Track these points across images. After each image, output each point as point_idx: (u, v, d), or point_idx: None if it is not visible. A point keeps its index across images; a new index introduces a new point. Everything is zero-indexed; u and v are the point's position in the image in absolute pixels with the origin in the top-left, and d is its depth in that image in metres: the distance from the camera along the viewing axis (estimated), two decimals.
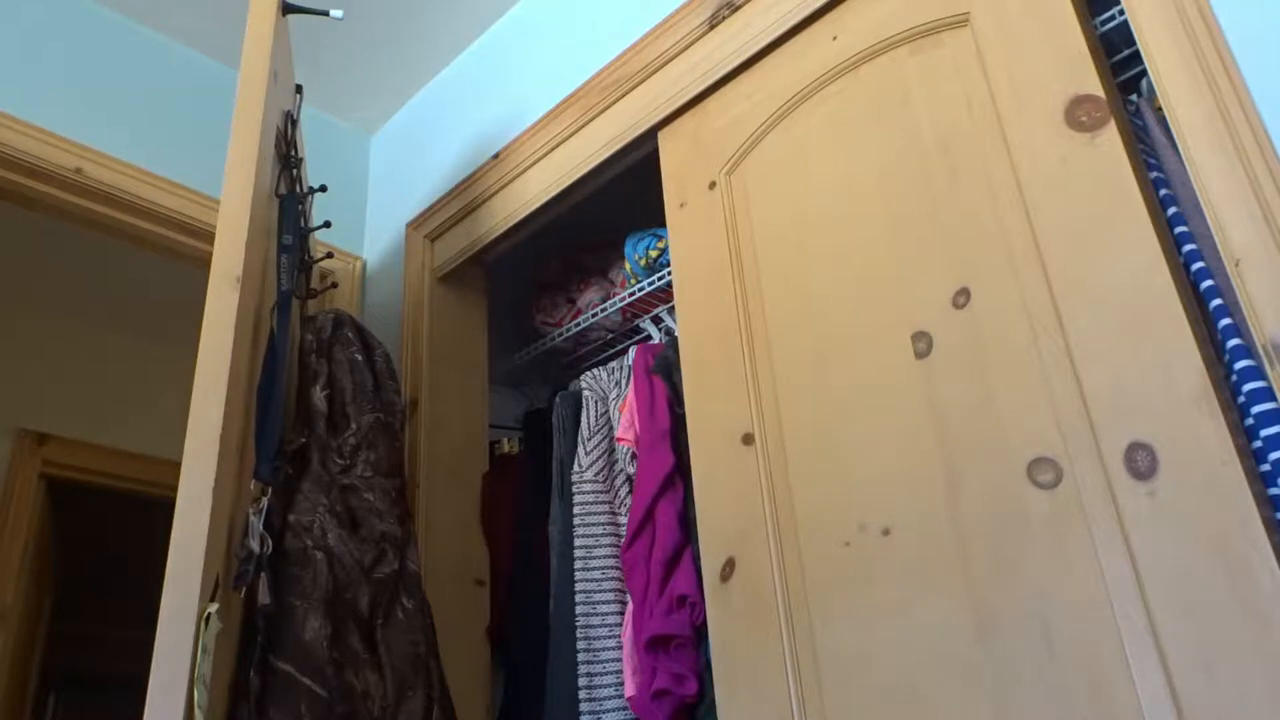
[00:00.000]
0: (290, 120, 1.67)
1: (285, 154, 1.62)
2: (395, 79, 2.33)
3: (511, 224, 1.91)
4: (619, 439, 1.72)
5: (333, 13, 1.60)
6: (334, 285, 2.01)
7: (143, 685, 0.99)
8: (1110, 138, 1.10)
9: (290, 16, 1.61)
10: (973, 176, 1.22)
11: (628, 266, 1.94)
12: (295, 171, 1.68)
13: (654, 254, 1.89)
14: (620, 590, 1.62)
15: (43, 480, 2.97)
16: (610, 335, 2.09)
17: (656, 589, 1.49)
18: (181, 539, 1.03)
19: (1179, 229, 1.10)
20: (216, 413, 1.09)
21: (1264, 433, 0.96)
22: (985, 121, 1.23)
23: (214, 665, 1.04)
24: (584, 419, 1.78)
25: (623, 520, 1.68)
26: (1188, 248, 1.09)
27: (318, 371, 1.58)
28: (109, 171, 1.87)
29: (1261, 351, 0.94)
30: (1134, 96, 1.27)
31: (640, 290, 1.92)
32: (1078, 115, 1.14)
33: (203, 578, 1.01)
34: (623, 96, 1.74)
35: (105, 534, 3.85)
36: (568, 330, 2.08)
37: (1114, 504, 0.99)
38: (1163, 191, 1.13)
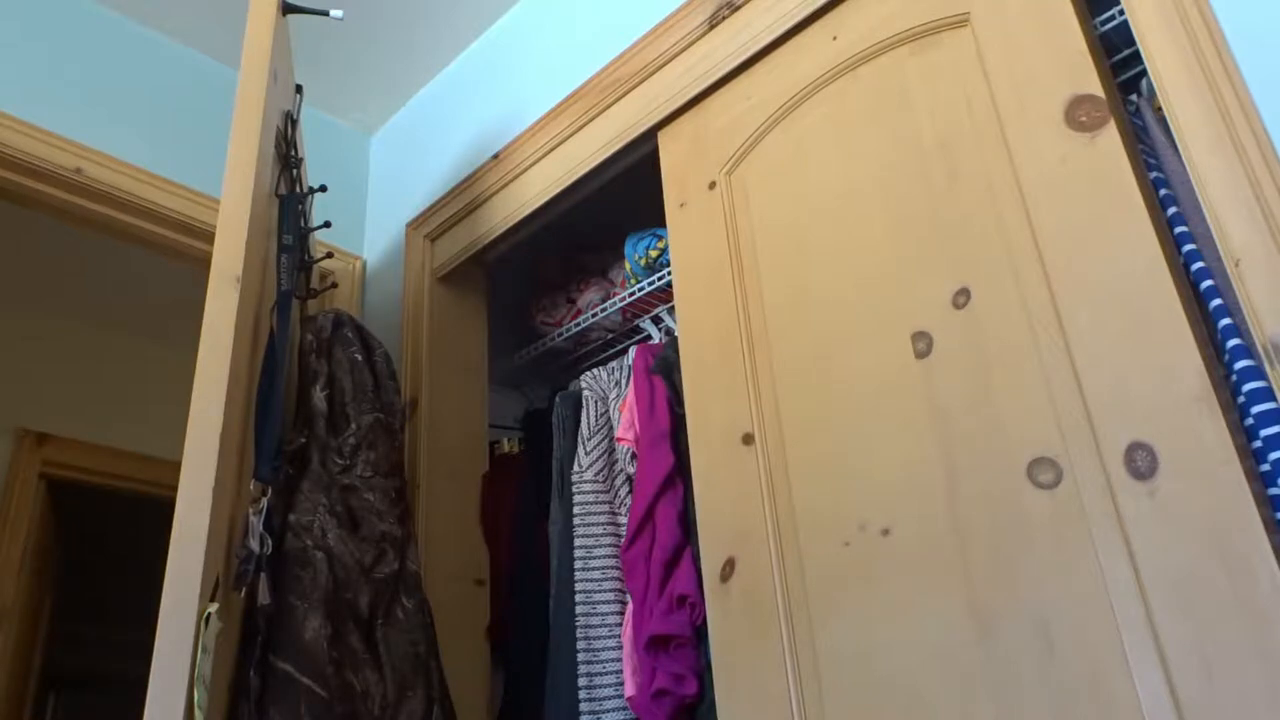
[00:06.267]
0: (290, 120, 1.67)
1: (285, 154, 1.62)
2: (395, 79, 2.33)
3: (511, 224, 1.91)
4: (619, 439, 1.72)
5: (333, 13, 1.60)
6: (334, 285, 2.01)
7: (143, 685, 0.99)
8: (1110, 138, 1.10)
9: (290, 16, 1.61)
10: (972, 176, 1.22)
11: (628, 266, 1.94)
12: (295, 171, 1.68)
13: (654, 254, 1.89)
14: (620, 590, 1.62)
15: (43, 480, 2.96)
16: (610, 335, 2.09)
17: (656, 589, 1.49)
18: (181, 539, 1.03)
19: (1179, 229, 1.10)
20: (216, 413, 1.09)
21: (1264, 433, 0.96)
22: (985, 121, 1.23)
23: (214, 665, 1.04)
24: (584, 419, 1.78)
25: (623, 520, 1.68)
26: (1188, 248, 1.09)
27: (318, 371, 1.57)
28: (109, 171, 1.87)
29: (1261, 351, 0.94)
30: (1134, 96, 1.27)
31: (640, 290, 1.92)
32: (1078, 115, 1.14)
33: (203, 578, 1.01)
34: (622, 96, 1.74)
35: (105, 534, 3.85)
36: (568, 330, 2.08)
37: (1114, 504, 0.99)
38: (1163, 191, 1.13)
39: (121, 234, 1.95)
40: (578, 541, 1.65)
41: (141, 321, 3.24)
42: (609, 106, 1.76)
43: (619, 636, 1.58)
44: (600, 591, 1.62)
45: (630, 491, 1.70)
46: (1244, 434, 0.98)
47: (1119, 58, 1.28)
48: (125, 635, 4.08)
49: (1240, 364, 1.00)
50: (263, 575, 1.26)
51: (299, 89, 1.77)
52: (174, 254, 2.02)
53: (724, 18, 1.59)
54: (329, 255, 1.94)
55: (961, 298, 1.18)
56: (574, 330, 2.06)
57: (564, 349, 2.15)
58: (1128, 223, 1.06)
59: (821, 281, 1.35)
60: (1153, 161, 1.17)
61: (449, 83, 2.28)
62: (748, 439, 1.35)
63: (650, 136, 1.69)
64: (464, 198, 2.03)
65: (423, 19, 2.17)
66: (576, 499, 1.69)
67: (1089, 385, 1.04)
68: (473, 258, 2.02)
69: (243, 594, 1.24)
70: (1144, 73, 1.24)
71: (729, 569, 1.31)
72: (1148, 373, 1.00)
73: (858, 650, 1.15)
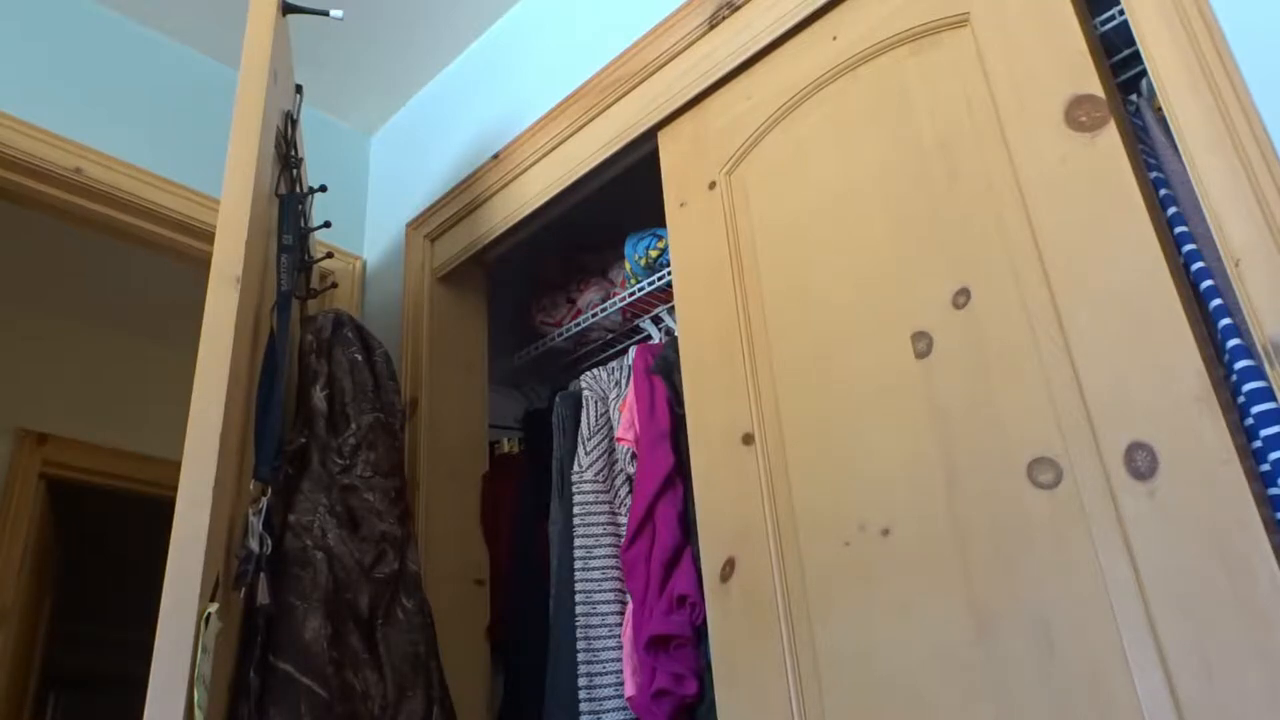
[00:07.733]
0: (290, 120, 1.67)
1: (285, 154, 1.62)
2: (395, 79, 2.33)
3: (511, 224, 1.91)
4: (619, 439, 1.72)
5: (333, 13, 1.60)
6: (334, 285, 2.01)
7: (143, 685, 0.99)
8: (1110, 138, 1.10)
9: (290, 16, 1.61)
10: (973, 176, 1.22)
11: (628, 266, 1.94)
12: (295, 171, 1.68)
13: (654, 254, 1.89)
14: (620, 590, 1.62)
15: (43, 480, 2.96)
16: (610, 335, 2.09)
17: (656, 589, 1.49)
18: (181, 539, 1.03)
19: (1179, 229, 1.10)
20: (216, 413, 1.09)
21: (1264, 433, 0.96)
22: (985, 121, 1.23)
23: (214, 665, 1.04)
24: (584, 419, 1.78)
25: (623, 520, 1.68)
26: (1188, 248, 1.09)
27: (318, 371, 1.57)
28: (109, 171, 1.87)
29: (1261, 351, 0.94)
30: (1134, 96, 1.27)
31: (640, 290, 1.92)
32: (1078, 115, 1.14)
33: (203, 578, 1.01)
34: (622, 96, 1.74)
35: (105, 534, 3.85)
36: (568, 330, 2.08)
37: (1114, 504, 0.99)
38: (1163, 191, 1.13)
39: (121, 234, 1.95)
40: (578, 541, 1.65)
41: (141, 321, 3.24)
42: (609, 106, 1.76)
43: (619, 636, 1.58)
44: (600, 591, 1.62)
45: (630, 491, 1.70)
46: (1244, 434, 0.98)
47: (1119, 58, 1.28)
48: (125, 635, 4.08)
49: (1240, 364, 1.00)
50: (262, 575, 1.26)
51: (299, 89, 1.77)
52: (174, 254, 2.02)
53: (724, 18, 1.59)
54: (329, 255, 1.94)
55: (961, 298, 1.18)
56: (574, 330, 2.06)
57: (564, 349, 2.15)
58: (1128, 223, 1.06)
59: (821, 281, 1.35)
60: (1153, 161, 1.17)
61: (449, 83, 2.28)
62: (748, 439, 1.35)
63: (650, 136, 1.69)
64: (464, 198, 2.03)
65: (423, 19, 2.17)
66: (576, 499, 1.69)
67: (1089, 385, 1.04)
68: (473, 258, 2.02)
69: (243, 594, 1.24)
70: (1144, 73, 1.24)
71: (729, 569, 1.31)
72: (1148, 373, 1.00)
73: (858, 650, 1.15)
